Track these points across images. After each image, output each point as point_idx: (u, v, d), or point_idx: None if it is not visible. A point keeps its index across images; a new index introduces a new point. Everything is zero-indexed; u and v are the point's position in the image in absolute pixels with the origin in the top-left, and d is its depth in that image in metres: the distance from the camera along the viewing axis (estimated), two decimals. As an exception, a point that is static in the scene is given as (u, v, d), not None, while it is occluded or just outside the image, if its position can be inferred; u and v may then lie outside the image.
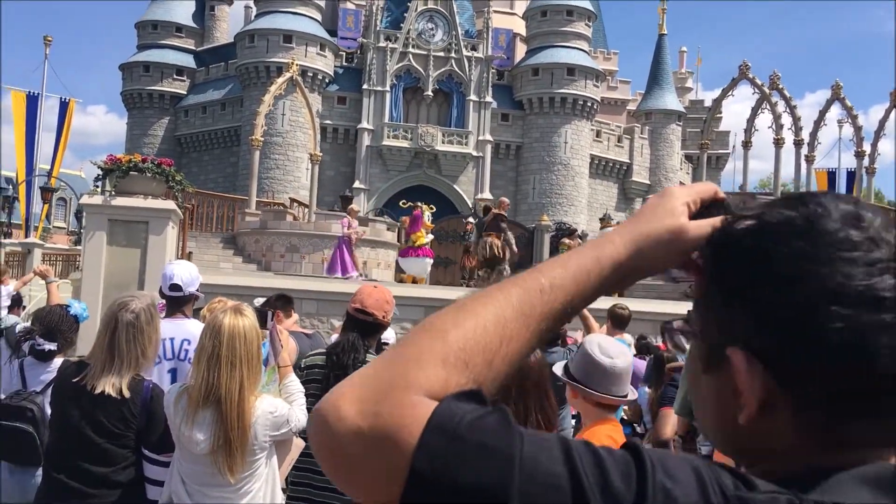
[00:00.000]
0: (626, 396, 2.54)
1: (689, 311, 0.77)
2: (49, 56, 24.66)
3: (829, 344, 0.65)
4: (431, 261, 17.02)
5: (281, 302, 5.06)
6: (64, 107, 25.10)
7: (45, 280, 6.27)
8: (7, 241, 21.05)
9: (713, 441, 0.78)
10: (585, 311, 5.66)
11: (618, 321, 6.62)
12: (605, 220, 19.43)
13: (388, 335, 5.79)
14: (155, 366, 3.46)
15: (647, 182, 44.50)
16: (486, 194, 39.16)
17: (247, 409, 2.60)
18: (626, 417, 6.37)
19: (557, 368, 2.64)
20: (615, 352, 2.53)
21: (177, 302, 3.81)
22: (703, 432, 0.80)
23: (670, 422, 4.49)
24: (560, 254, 0.78)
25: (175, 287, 3.77)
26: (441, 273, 19.53)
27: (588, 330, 5.59)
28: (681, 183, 31.78)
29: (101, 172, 12.22)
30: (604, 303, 10.89)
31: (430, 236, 17.00)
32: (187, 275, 3.81)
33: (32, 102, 24.21)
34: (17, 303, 9.79)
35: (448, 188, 39.53)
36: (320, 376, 3.01)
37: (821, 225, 0.67)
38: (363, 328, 3.03)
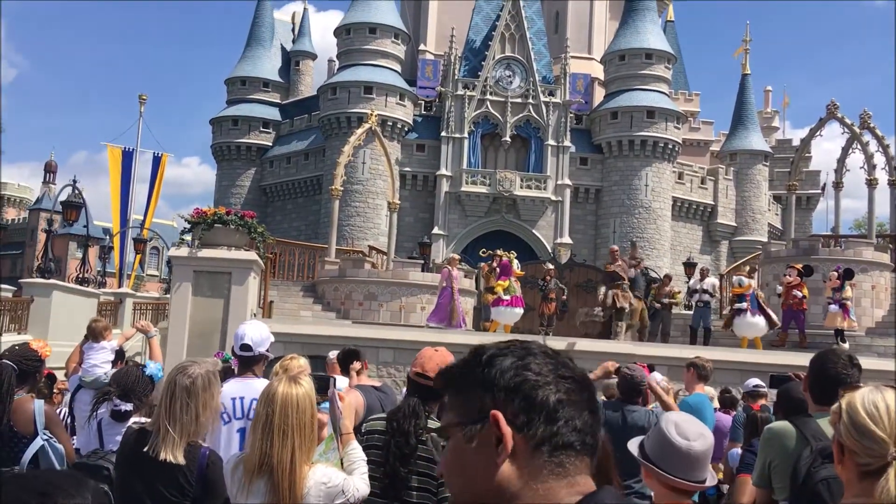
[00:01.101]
0: (703, 482, 2.37)
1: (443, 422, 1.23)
2: (144, 113, 25.97)
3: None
4: (522, 310, 16.93)
5: (350, 357, 5.04)
6: (157, 161, 26.27)
7: (146, 335, 6.40)
8: (101, 290, 21.92)
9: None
10: (657, 387, 5.41)
11: (702, 374, 6.35)
12: (689, 266, 18.94)
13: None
14: (224, 425, 3.47)
15: (734, 224, 43.35)
16: (566, 239, 38.86)
17: (299, 480, 2.56)
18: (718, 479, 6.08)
19: (633, 445, 2.50)
20: (694, 433, 2.38)
21: (247, 362, 3.84)
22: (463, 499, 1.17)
23: (747, 490, 4.23)
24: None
25: (245, 347, 3.81)
26: (521, 319, 19.30)
27: (665, 407, 5.34)
28: (769, 225, 30.71)
29: (187, 225, 12.65)
30: (675, 351, 10.47)
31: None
32: (258, 335, 3.85)
33: (128, 157, 25.44)
34: (120, 357, 10.13)
35: (527, 233, 39.39)
36: (380, 442, 2.95)
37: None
38: (424, 393, 2.97)
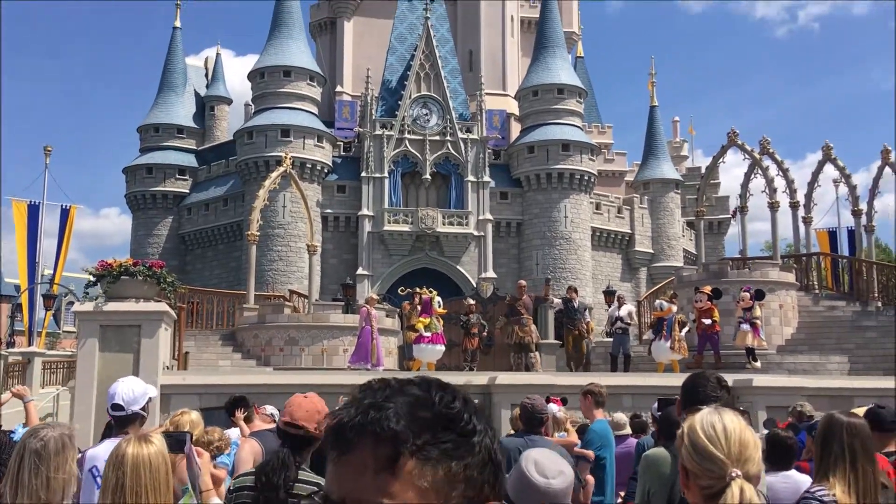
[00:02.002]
0: None
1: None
2: (50, 165, 25.21)
3: None
4: (443, 347, 16.97)
5: (235, 406, 4.94)
6: (65, 213, 25.48)
7: (22, 400, 6.17)
8: (8, 350, 21.01)
9: None
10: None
11: (598, 401, 6.45)
12: (609, 294, 19.33)
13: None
14: (97, 489, 3.35)
15: (651, 251, 44.51)
16: (490, 273, 39.18)
17: (157, 542, 2.49)
18: None
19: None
20: (553, 471, 2.37)
21: (120, 422, 3.72)
22: None
23: None
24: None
25: (117, 407, 3.69)
26: (446, 356, 19.31)
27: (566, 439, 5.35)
28: (684, 250, 31.68)
29: (92, 279, 12.26)
30: (596, 379, 10.60)
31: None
32: (130, 393, 3.73)
33: (34, 211, 24.60)
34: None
35: (451, 269, 39.59)
36: (250, 499, 2.87)
37: None
38: (294, 443, 2.92)
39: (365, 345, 15.77)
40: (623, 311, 17.43)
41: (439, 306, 17.42)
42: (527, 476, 2.32)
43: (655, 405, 7.51)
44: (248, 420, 5.68)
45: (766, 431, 5.66)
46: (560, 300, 20.12)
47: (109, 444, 3.34)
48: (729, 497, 1.88)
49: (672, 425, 3.85)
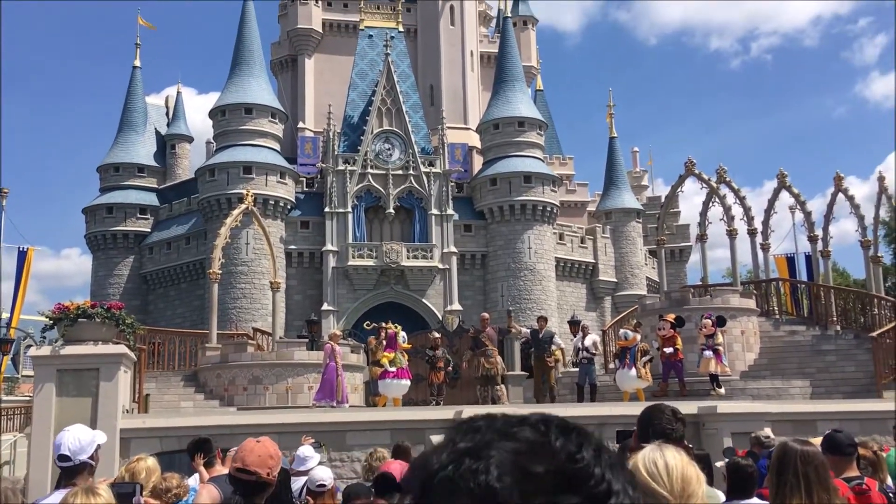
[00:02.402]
0: None
1: None
2: (7, 207, 24.77)
3: None
4: (408, 382, 16.86)
5: (196, 450, 4.84)
6: (22, 256, 25.00)
7: None
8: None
9: None
10: None
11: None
12: (573, 324, 19.40)
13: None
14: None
15: (615, 280, 44.87)
16: (456, 306, 39.16)
17: None
18: None
19: None
20: None
21: (68, 473, 3.62)
22: None
23: None
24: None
25: (63, 457, 3.59)
26: (413, 390, 19.19)
27: None
28: (647, 278, 31.96)
29: (47, 321, 12.02)
30: (562, 410, 10.64)
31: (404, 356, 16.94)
32: (76, 442, 3.63)
33: (-11, 254, 24.10)
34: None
35: (417, 303, 39.49)
36: (203, 548, 2.82)
37: None
38: (247, 489, 2.86)
39: (330, 381, 15.62)
40: (588, 341, 17.50)
41: (404, 341, 17.34)
42: None
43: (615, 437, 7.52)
44: (210, 464, 5.56)
45: (726, 460, 5.69)
46: (527, 330, 20.16)
47: (59, 496, 3.25)
48: None
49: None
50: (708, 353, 16.80)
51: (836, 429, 4.95)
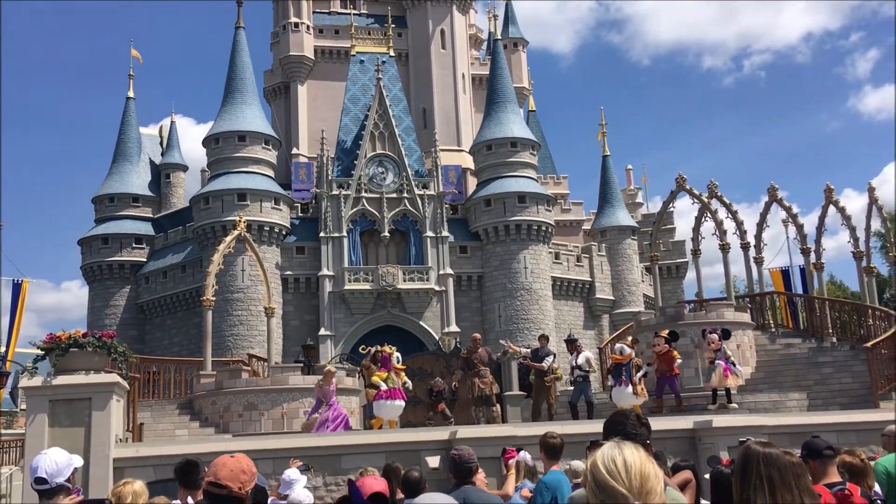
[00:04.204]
0: None
1: None
2: (2, 240, 24.82)
3: None
4: (403, 403, 16.71)
5: (182, 472, 4.82)
6: (17, 288, 25.00)
7: None
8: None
9: None
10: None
11: (550, 451, 6.41)
12: (570, 343, 19.34)
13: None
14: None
15: (612, 297, 44.88)
16: (453, 327, 39.12)
17: None
18: None
19: None
20: None
21: (44, 496, 3.63)
22: None
23: None
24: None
25: (40, 480, 3.60)
26: (410, 412, 19.11)
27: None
28: (644, 295, 31.98)
29: (40, 352, 11.98)
30: (557, 429, 10.64)
31: (402, 378, 16.83)
32: (52, 466, 3.64)
33: (-17, 287, 24.10)
34: None
35: (414, 325, 39.45)
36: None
37: None
38: (217, 503, 2.87)
39: (325, 423, 15.38)
40: (581, 359, 17.41)
41: (398, 362, 17.25)
42: None
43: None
44: (197, 486, 5.51)
45: (710, 469, 5.68)
46: (527, 350, 20.05)
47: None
48: None
49: None
50: (720, 363, 16.61)
51: (815, 434, 4.97)
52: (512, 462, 7.40)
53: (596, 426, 14.53)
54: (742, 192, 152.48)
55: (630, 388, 15.89)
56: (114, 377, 12.00)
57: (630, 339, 18.71)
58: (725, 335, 17.17)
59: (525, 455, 7.13)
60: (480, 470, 5.67)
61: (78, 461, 3.74)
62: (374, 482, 4.48)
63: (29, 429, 11.61)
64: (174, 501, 5.24)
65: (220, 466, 2.92)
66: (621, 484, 1.93)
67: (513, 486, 6.93)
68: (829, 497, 4.39)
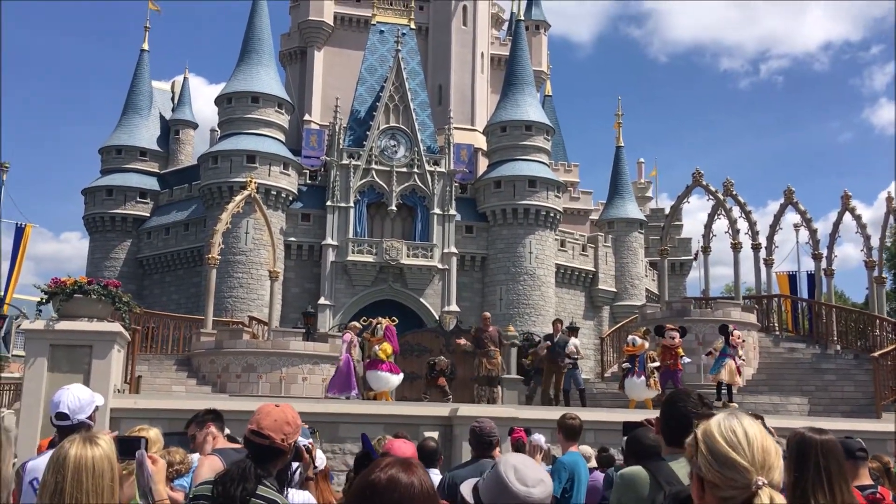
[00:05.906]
0: None
1: None
2: (7, 183, 24.57)
3: None
4: (400, 377, 16.47)
5: (209, 417, 4.64)
6: (20, 232, 24.78)
7: None
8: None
9: None
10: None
11: (569, 433, 6.25)
12: (571, 330, 19.11)
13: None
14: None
15: (614, 289, 44.71)
16: (453, 307, 38.98)
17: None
18: None
19: (466, 488, 2.30)
20: (533, 479, 2.15)
21: (65, 432, 3.45)
22: None
23: None
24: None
25: (61, 416, 3.42)
26: (406, 388, 18.98)
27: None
28: (647, 290, 31.73)
29: (44, 297, 11.80)
30: (556, 414, 10.50)
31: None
32: (75, 401, 3.47)
33: (-13, 228, 23.90)
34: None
35: (414, 301, 39.31)
36: (207, 509, 2.63)
37: None
38: (259, 453, 2.68)
39: (343, 374, 15.29)
40: (570, 346, 17.03)
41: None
42: (505, 483, 2.11)
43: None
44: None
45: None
46: (546, 339, 19.62)
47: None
48: None
49: (642, 445, 3.66)
50: (732, 362, 16.40)
51: (848, 435, 4.80)
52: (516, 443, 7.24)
53: (596, 414, 14.40)
54: (748, 195, 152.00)
55: (643, 380, 15.71)
56: (117, 326, 11.84)
57: (643, 330, 18.51)
58: (722, 330, 16.98)
59: (539, 437, 6.98)
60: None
61: (100, 399, 3.57)
62: (404, 446, 4.30)
63: (28, 372, 11.46)
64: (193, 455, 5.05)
65: (264, 415, 2.74)
66: (743, 457, 1.74)
67: None
68: (861, 500, 4.23)
